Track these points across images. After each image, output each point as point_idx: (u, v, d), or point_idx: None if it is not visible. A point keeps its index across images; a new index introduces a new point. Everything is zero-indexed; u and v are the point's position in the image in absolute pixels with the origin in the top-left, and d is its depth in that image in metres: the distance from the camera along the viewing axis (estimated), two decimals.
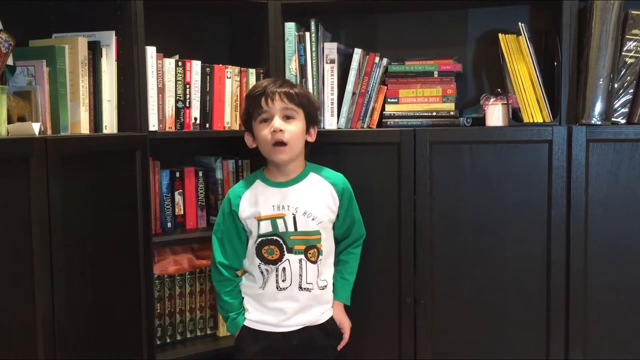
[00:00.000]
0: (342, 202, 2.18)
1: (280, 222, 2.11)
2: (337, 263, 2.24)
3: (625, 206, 2.21)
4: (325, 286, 2.17)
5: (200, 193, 2.53)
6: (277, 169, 2.16)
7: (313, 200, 2.13)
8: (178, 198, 2.48)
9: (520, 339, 2.32)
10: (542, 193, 2.25)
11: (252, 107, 2.12)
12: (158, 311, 2.41)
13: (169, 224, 2.46)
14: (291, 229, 2.11)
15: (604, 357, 2.26)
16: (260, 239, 2.13)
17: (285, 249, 2.11)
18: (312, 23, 2.48)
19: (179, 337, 2.48)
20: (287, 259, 2.11)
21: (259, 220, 2.13)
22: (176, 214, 2.48)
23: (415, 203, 2.33)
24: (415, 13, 2.63)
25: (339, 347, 2.23)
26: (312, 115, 2.17)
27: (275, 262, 2.12)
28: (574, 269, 2.24)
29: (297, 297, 2.13)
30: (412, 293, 2.36)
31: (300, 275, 2.11)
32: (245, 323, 2.18)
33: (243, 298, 2.22)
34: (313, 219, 2.11)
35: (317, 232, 2.12)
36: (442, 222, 2.33)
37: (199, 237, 2.43)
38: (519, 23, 2.28)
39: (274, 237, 2.12)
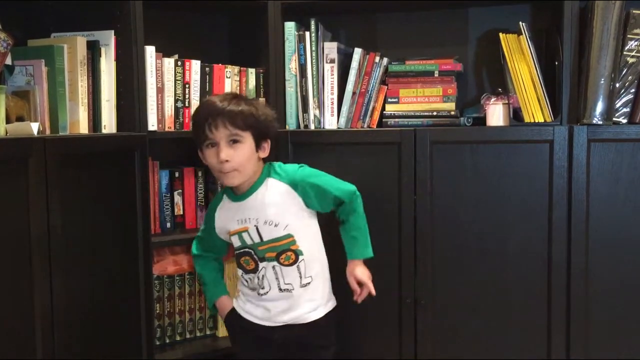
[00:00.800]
0: (307, 195, 2.07)
1: (245, 235, 2.10)
2: (340, 224, 2.18)
3: (627, 206, 2.19)
4: (309, 283, 2.11)
5: (200, 193, 2.53)
6: None
7: (272, 207, 2.06)
8: (177, 198, 2.47)
9: (522, 339, 2.31)
10: (543, 193, 2.24)
11: (197, 133, 2.04)
12: (157, 311, 2.40)
13: (168, 224, 2.46)
14: (257, 240, 2.09)
15: (605, 357, 2.25)
16: (236, 252, 2.16)
17: (258, 259, 2.11)
18: (312, 22, 2.48)
19: (178, 338, 2.48)
20: (263, 267, 2.10)
21: (230, 235, 2.14)
22: (175, 214, 2.48)
23: (415, 203, 2.32)
24: (416, 12, 2.62)
25: (359, 298, 2.15)
26: (263, 133, 2.07)
27: (254, 271, 2.12)
28: (575, 269, 2.23)
29: (278, 299, 2.11)
30: (413, 293, 2.35)
31: (277, 279, 2.10)
32: (238, 311, 2.19)
33: (220, 272, 2.29)
34: (276, 225, 2.06)
35: (288, 236, 2.07)
36: (443, 222, 2.32)
37: None
38: (520, 22, 2.27)
39: (246, 249, 2.12)
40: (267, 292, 2.11)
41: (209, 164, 2.07)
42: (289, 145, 2.44)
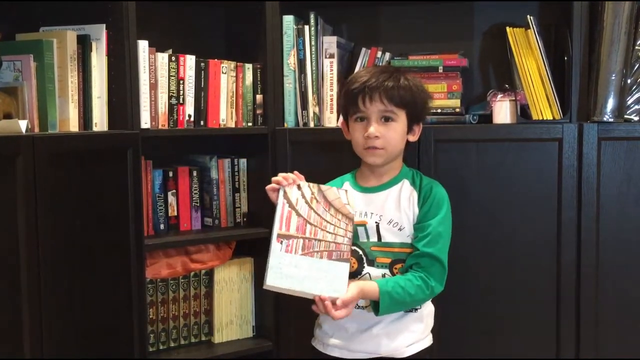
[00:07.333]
0: (422, 205, 1.89)
1: (361, 230, 1.90)
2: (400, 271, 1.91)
3: (639, 206, 2.18)
4: (417, 309, 1.91)
5: (195, 193, 2.48)
6: (369, 170, 1.97)
7: (401, 210, 1.89)
8: (171, 199, 2.43)
9: (530, 338, 2.29)
10: (552, 193, 2.22)
11: (348, 103, 1.91)
12: (150, 317, 2.36)
13: (162, 226, 2.41)
14: (373, 239, 1.89)
15: (615, 357, 2.24)
16: None
17: (365, 261, 1.89)
18: (312, 16, 2.44)
19: (172, 344, 2.43)
20: (368, 272, 1.88)
21: None
22: (169, 215, 2.43)
23: None
24: (419, 5, 2.59)
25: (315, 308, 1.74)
26: (417, 114, 1.93)
27: (353, 275, 1.86)
28: (585, 270, 2.22)
29: (377, 319, 1.86)
30: None
31: None
32: (316, 345, 1.97)
33: None
34: (401, 229, 1.88)
35: (407, 245, 1.87)
36: None
37: (193, 239, 2.39)
38: (528, 16, 2.24)
39: (353, 247, 1.87)
40: (367, 307, 1.85)
41: (354, 139, 1.92)
42: (287, 144, 2.40)
